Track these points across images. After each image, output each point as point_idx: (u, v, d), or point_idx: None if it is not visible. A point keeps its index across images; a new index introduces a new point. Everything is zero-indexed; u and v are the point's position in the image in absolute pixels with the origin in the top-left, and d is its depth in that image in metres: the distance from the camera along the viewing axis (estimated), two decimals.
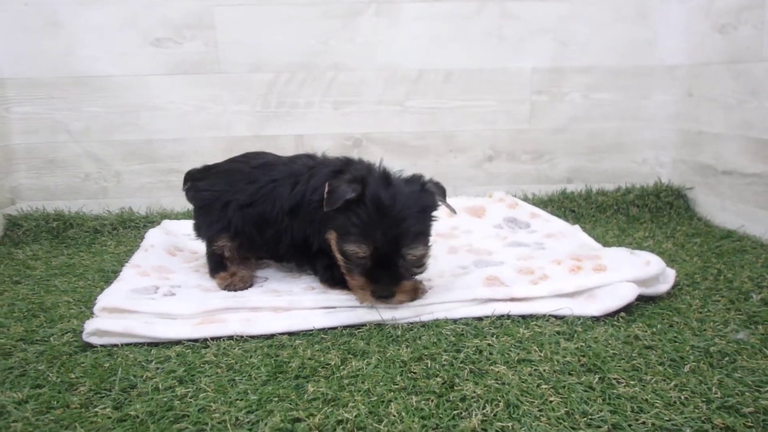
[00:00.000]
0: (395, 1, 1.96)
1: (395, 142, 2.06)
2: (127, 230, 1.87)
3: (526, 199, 2.05)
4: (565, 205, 2.03)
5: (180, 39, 1.93)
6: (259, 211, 1.25)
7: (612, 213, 1.98)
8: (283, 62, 1.98)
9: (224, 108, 2.00)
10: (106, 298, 1.10)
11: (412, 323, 1.09)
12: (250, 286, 1.29)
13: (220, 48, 1.95)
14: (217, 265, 1.33)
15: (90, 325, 1.01)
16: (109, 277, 1.40)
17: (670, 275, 1.22)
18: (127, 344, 1.01)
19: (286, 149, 2.04)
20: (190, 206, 1.99)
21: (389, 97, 2.04)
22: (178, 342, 1.01)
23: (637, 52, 2.06)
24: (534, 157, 2.13)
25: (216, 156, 1.98)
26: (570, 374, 0.89)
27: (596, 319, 1.09)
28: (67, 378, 0.88)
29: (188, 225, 1.76)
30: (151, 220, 1.93)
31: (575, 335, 1.02)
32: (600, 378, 0.88)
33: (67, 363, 0.93)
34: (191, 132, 2.01)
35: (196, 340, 1.01)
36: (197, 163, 1.98)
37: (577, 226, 1.65)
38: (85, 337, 1.01)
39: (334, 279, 1.19)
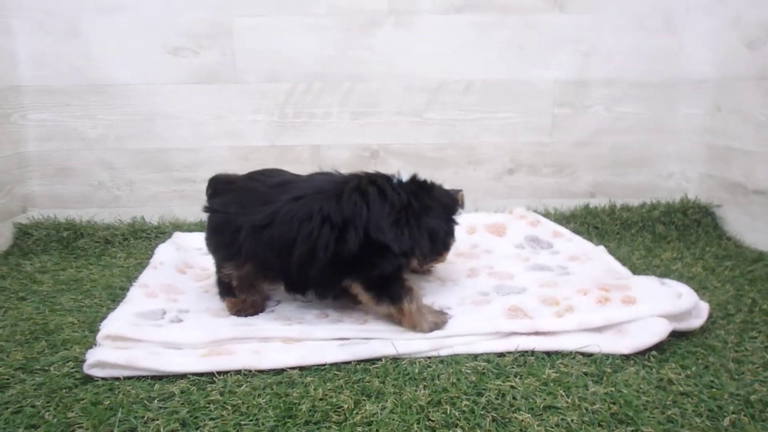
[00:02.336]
0: (415, 12, 1.91)
1: (413, 153, 2.01)
2: (137, 241, 1.84)
3: (547, 214, 1.99)
4: (588, 221, 1.95)
5: (198, 48, 1.90)
6: (281, 233, 1.13)
7: (637, 230, 1.91)
8: (300, 72, 1.93)
9: (240, 117, 1.96)
10: (110, 324, 1.06)
11: (430, 358, 1.03)
12: (262, 311, 1.25)
13: (238, 57, 1.91)
14: (225, 290, 1.25)
15: (92, 356, 0.97)
16: (116, 294, 1.37)
17: (704, 309, 1.15)
18: (130, 377, 0.96)
19: (302, 159, 2.02)
20: (202, 217, 1.98)
21: (408, 108, 1.98)
22: (183, 376, 0.96)
23: (663, 64, 1.99)
24: (556, 171, 2.06)
25: (231, 166, 1.96)
26: (600, 426, 0.82)
27: (626, 358, 1.02)
28: (64, 418, 0.83)
29: (200, 238, 1.73)
30: (162, 231, 1.89)
31: (604, 377, 0.96)
32: (632, 431, 0.81)
33: (66, 399, 0.89)
34: (206, 141, 1.97)
35: (201, 374, 0.97)
36: (212, 173, 1.95)
37: (601, 247, 1.58)
38: (87, 369, 0.96)
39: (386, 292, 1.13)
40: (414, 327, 1.10)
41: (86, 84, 1.89)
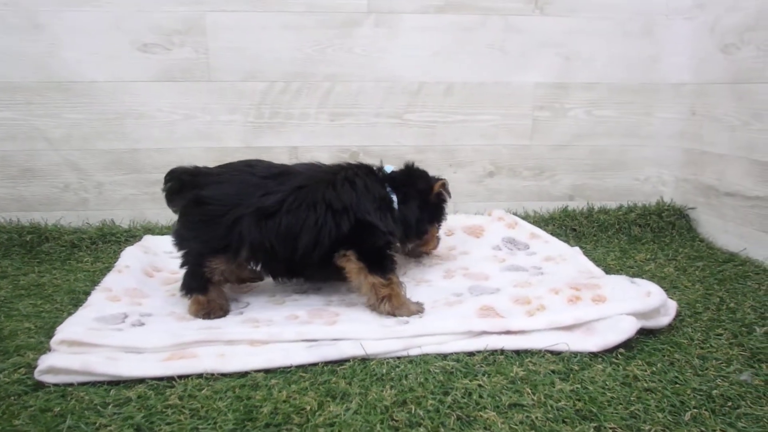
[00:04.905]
0: (395, 12, 1.88)
1: (393, 155, 1.98)
2: (106, 245, 1.78)
3: (527, 216, 1.98)
4: (567, 224, 1.95)
5: (169, 45, 1.85)
6: (288, 221, 1.19)
7: (614, 232, 1.91)
8: (278, 71, 1.90)
9: (214, 117, 1.92)
10: (66, 329, 1.01)
11: (399, 358, 1.00)
12: (228, 313, 1.21)
13: (212, 55, 1.87)
14: (198, 285, 1.21)
15: (44, 362, 0.92)
16: (79, 299, 1.32)
17: (672, 307, 1.15)
18: (85, 383, 0.92)
19: (280, 161, 1.94)
20: (175, 219, 1.94)
21: (388, 110, 1.96)
22: (141, 380, 0.92)
23: (642, 69, 2.00)
24: (536, 174, 2.05)
25: None
26: (564, 422, 0.82)
27: (594, 356, 1.01)
28: (9, 426, 0.79)
29: (170, 241, 1.69)
30: (133, 234, 1.83)
31: (571, 374, 0.95)
32: (595, 427, 0.81)
33: (14, 406, 0.84)
34: (179, 142, 1.92)
35: (161, 379, 0.93)
36: None
37: (577, 248, 1.57)
38: (38, 376, 0.92)
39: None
40: (398, 308, 1.18)
41: (49, 81, 1.82)
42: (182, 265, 1.25)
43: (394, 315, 1.17)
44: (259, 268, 1.29)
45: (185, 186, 1.25)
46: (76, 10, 1.79)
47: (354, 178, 1.28)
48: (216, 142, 1.93)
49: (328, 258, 1.22)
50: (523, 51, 1.95)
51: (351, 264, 1.21)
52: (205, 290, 1.21)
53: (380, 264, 1.21)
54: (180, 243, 1.26)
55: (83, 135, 1.87)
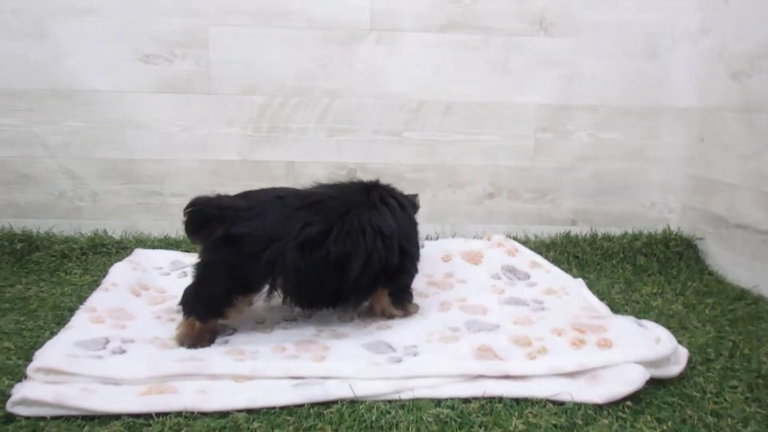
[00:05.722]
0: (397, 29, 1.85)
1: (391, 173, 1.94)
2: (96, 256, 1.74)
3: (527, 240, 1.93)
4: (569, 250, 1.90)
5: (171, 56, 1.82)
6: (337, 249, 1.16)
7: (618, 261, 1.85)
8: (277, 85, 1.87)
9: (213, 129, 1.88)
10: (44, 356, 0.97)
11: (390, 402, 0.95)
12: (213, 341, 1.17)
13: (213, 67, 1.84)
14: (204, 314, 1.15)
15: (17, 392, 0.88)
16: (63, 316, 1.28)
17: (683, 355, 1.09)
18: (58, 416, 0.87)
19: (276, 175, 1.94)
20: (167, 231, 1.92)
21: (387, 127, 1.92)
22: (117, 416, 0.88)
23: (647, 92, 1.95)
24: (537, 196, 2.01)
25: (201, 179, 1.90)
26: None
27: (599, 408, 0.95)
28: None
29: (162, 255, 1.66)
30: (124, 246, 1.80)
31: (575, 430, 0.89)
32: None
33: None
34: (176, 153, 1.89)
35: (138, 416, 0.88)
36: (180, 186, 1.90)
37: (580, 280, 1.52)
38: (10, 407, 0.87)
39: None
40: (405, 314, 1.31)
41: (51, 88, 1.80)
42: (196, 294, 1.17)
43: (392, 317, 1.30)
44: (287, 301, 1.22)
45: (211, 220, 1.16)
46: (81, 19, 1.78)
47: (388, 200, 1.27)
48: (213, 154, 1.90)
49: (375, 283, 1.24)
50: (525, 71, 1.91)
51: (384, 299, 1.29)
52: (206, 320, 1.17)
53: (403, 297, 1.31)
54: (202, 281, 1.17)
55: (81, 143, 1.85)
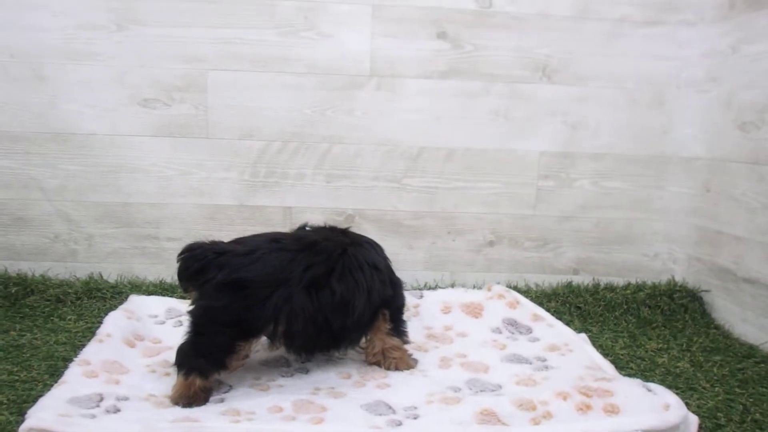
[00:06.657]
0: (398, 76, 1.85)
1: (390, 220, 1.93)
2: (91, 301, 1.71)
3: (528, 290, 1.90)
4: (571, 300, 1.86)
5: (169, 101, 1.82)
6: (341, 289, 1.19)
7: (621, 313, 1.81)
8: (275, 130, 1.86)
9: (210, 174, 1.87)
10: (36, 415, 0.93)
11: None
12: (209, 399, 1.12)
13: (211, 112, 1.84)
14: (206, 369, 1.11)
15: None
16: (57, 367, 1.24)
17: (693, 423, 1.04)
18: None
19: (273, 221, 1.92)
20: (162, 276, 1.89)
21: (386, 173, 1.91)
22: None
23: (652, 141, 1.95)
24: (538, 245, 1.98)
25: (197, 224, 1.87)
26: None
27: None
28: None
29: (157, 302, 1.63)
30: (119, 291, 1.77)
31: None
32: None
33: None
34: (172, 197, 1.87)
35: None
36: (176, 230, 1.88)
37: (583, 335, 1.48)
38: None
39: None
40: (402, 366, 1.30)
41: (49, 132, 1.80)
42: (195, 349, 1.12)
43: (397, 369, 1.30)
44: (288, 346, 1.21)
45: (208, 266, 1.12)
46: (80, 63, 1.78)
47: (361, 239, 1.32)
48: (209, 199, 1.88)
49: (374, 318, 1.28)
50: (528, 118, 1.91)
51: (385, 324, 1.30)
52: (209, 375, 1.13)
53: (400, 325, 1.33)
54: (201, 331, 1.12)
55: (77, 186, 1.83)
